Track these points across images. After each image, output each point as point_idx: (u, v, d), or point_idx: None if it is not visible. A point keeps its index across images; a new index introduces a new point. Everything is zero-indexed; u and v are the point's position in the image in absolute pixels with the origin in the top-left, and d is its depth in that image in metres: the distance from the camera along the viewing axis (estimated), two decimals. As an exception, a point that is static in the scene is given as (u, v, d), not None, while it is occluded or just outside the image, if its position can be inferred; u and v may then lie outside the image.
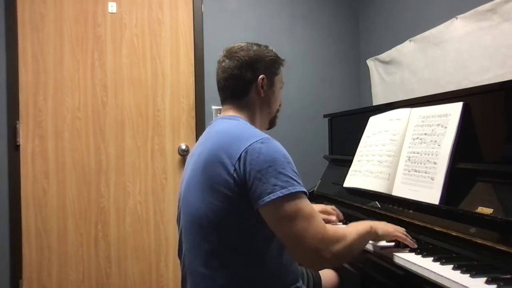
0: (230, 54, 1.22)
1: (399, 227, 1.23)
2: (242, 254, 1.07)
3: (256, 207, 1.01)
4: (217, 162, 1.05)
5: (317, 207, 1.62)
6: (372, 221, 1.21)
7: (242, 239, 1.06)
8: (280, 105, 1.33)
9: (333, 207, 1.62)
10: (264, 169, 1.00)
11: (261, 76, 1.21)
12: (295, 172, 1.04)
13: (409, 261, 1.07)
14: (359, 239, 1.08)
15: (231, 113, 1.22)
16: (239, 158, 1.02)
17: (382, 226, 1.18)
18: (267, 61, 1.23)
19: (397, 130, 1.52)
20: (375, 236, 1.16)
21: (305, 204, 1.01)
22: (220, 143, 1.08)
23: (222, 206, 1.04)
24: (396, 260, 1.13)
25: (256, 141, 1.04)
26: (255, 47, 1.24)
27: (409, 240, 1.18)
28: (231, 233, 1.06)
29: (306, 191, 1.04)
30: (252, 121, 1.22)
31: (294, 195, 1.00)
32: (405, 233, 1.21)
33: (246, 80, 1.21)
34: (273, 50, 1.28)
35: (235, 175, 1.02)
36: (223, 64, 1.23)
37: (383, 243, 1.23)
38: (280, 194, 0.98)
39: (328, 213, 1.59)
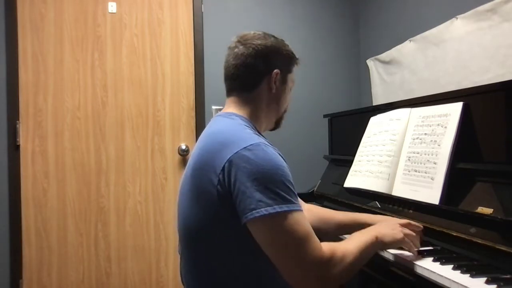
0: (245, 40, 1.10)
1: (406, 228, 1.11)
2: (228, 268, 0.98)
3: (243, 222, 0.90)
4: (202, 171, 0.96)
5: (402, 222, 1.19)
6: (378, 228, 1.08)
7: (228, 252, 0.97)
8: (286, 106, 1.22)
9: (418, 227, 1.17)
10: (249, 182, 0.88)
11: (275, 71, 1.10)
12: (286, 185, 0.91)
13: (409, 261, 1.07)
14: (362, 253, 0.96)
15: (231, 108, 1.12)
16: (223, 169, 0.92)
17: (389, 233, 1.05)
18: (284, 55, 1.13)
19: (397, 130, 1.52)
20: (382, 246, 1.05)
21: (296, 224, 0.88)
22: (207, 150, 0.99)
23: (206, 218, 0.96)
24: (396, 260, 1.13)
25: (243, 148, 0.92)
26: (272, 38, 1.13)
27: (414, 250, 1.07)
28: (217, 246, 0.97)
29: (298, 208, 0.91)
30: (255, 118, 1.11)
31: (282, 215, 0.87)
32: (412, 235, 1.09)
33: (258, 72, 1.10)
34: (289, 46, 1.17)
35: (219, 187, 0.92)
36: (236, 50, 1.10)
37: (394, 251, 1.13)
38: (265, 212, 0.86)
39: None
